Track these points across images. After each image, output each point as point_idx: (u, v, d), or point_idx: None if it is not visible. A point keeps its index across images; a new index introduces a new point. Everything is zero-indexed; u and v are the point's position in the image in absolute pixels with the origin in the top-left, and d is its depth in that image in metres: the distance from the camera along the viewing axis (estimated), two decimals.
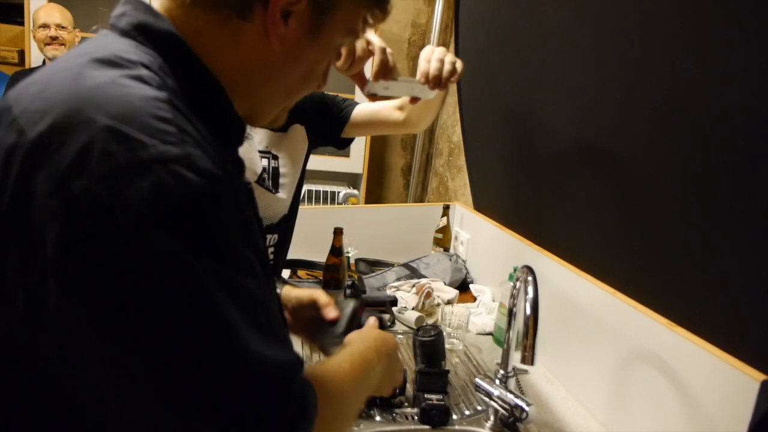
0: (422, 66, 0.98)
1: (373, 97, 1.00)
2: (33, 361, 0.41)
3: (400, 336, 1.34)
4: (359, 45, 0.92)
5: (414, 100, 1.06)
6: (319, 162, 2.55)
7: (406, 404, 1.04)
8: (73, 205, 0.36)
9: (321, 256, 1.39)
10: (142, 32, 0.47)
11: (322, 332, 0.86)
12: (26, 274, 0.38)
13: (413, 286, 1.54)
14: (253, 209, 0.60)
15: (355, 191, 2.62)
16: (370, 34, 0.93)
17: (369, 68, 0.97)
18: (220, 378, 0.39)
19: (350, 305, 0.88)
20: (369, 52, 0.93)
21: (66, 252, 0.37)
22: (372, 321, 0.85)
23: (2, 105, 0.43)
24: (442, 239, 1.84)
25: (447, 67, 0.97)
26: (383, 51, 0.92)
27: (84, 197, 0.36)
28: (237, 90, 0.52)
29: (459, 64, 0.99)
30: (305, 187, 2.47)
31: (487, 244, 1.69)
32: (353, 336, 0.76)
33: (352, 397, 0.60)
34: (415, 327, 1.35)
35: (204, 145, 0.43)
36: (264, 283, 0.47)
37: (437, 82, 0.96)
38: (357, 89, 1.01)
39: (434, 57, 0.97)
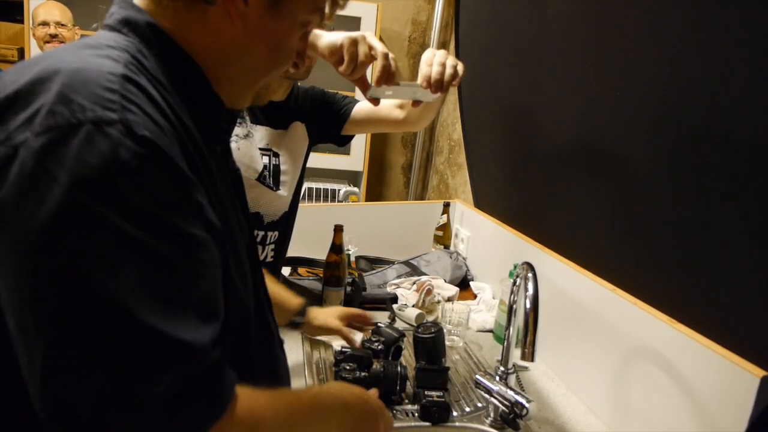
0: (424, 70, 0.98)
1: (375, 101, 1.00)
2: None
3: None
4: (362, 50, 0.92)
5: (416, 102, 1.06)
6: (319, 160, 2.55)
7: (406, 401, 1.04)
8: (12, 151, 0.42)
9: (321, 254, 1.39)
10: (126, 25, 0.53)
11: None
12: None
13: (414, 283, 1.54)
14: (237, 194, 0.64)
15: (356, 189, 2.61)
16: (373, 39, 0.93)
17: (370, 71, 0.97)
18: (101, 346, 0.41)
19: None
20: (371, 57, 0.93)
21: None
22: (373, 391, 0.83)
23: None
24: (443, 237, 1.84)
25: (448, 70, 0.97)
26: (386, 56, 0.92)
27: (23, 146, 0.41)
28: (212, 72, 0.56)
29: (460, 67, 0.99)
30: (306, 185, 2.48)
31: (487, 241, 1.69)
32: (336, 384, 0.78)
33: (273, 422, 0.54)
34: (415, 324, 1.35)
35: (168, 116, 0.47)
36: (214, 260, 0.49)
37: (439, 86, 0.96)
38: (358, 88, 1.01)
39: (436, 60, 0.97)
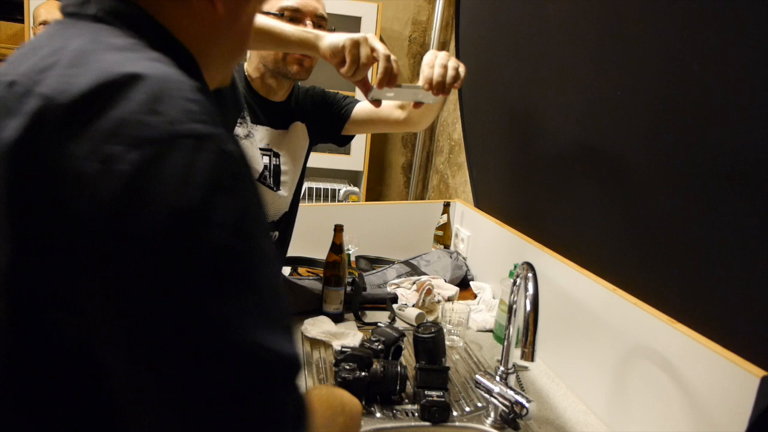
0: (425, 72, 0.97)
1: (376, 102, 1.00)
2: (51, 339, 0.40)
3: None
4: (364, 52, 0.92)
5: (417, 104, 1.06)
6: (319, 159, 2.55)
7: (406, 401, 1.04)
8: (103, 166, 0.37)
9: (321, 254, 1.39)
10: (117, 17, 0.48)
11: None
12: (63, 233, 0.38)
13: (414, 283, 1.54)
14: None
15: (356, 189, 2.61)
16: (375, 41, 0.93)
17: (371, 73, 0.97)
18: (227, 369, 0.38)
19: None
20: (373, 59, 0.93)
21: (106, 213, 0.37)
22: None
23: None
24: (443, 236, 1.84)
25: (450, 73, 0.97)
26: (387, 58, 0.92)
27: (115, 161, 0.37)
28: (197, 59, 0.54)
29: (462, 69, 0.99)
30: (306, 185, 2.47)
31: (487, 241, 1.69)
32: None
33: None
34: (415, 324, 1.35)
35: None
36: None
37: (440, 88, 0.96)
38: (359, 90, 1.01)
39: (437, 63, 0.97)
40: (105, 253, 0.37)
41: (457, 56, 1.95)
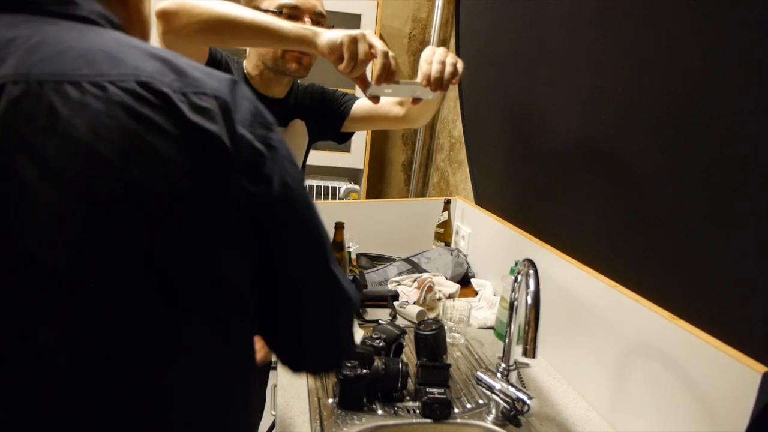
0: (423, 68, 0.97)
1: (375, 99, 1.00)
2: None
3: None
4: (362, 48, 0.92)
5: (416, 100, 1.06)
6: (320, 157, 2.54)
7: (407, 398, 1.04)
8: (264, 148, 0.49)
9: None
10: (104, 19, 0.51)
11: None
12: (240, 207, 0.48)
13: (415, 280, 1.54)
14: None
15: (356, 186, 2.61)
16: (373, 38, 0.93)
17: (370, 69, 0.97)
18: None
19: None
20: (371, 56, 0.93)
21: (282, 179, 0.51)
22: None
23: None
24: (444, 234, 1.84)
25: (448, 68, 0.97)
26: (386, 55, 0.92)
27: (270, 140, 0.50)
28: None
29: (460, 65, 0.99)
30: (306, 182, 2.47)
31: (488, 238, 1.69)
32: None
33: None
34: (416, 321, 1.35)
35: None
36: None
37: (439, 84, 0.96)
38: (358, 86, 1.01)
39: (435, 59, 0.97)
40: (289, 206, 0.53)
41: (458, 53, 1.94)
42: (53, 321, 0.42)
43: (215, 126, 0.45)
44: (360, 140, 2.58)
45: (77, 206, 0.41)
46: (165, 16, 0.93)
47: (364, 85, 0.98)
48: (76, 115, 0.41)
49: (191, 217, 0.45)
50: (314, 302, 0.57)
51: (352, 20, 2.43)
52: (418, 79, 0.98)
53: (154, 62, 0.46)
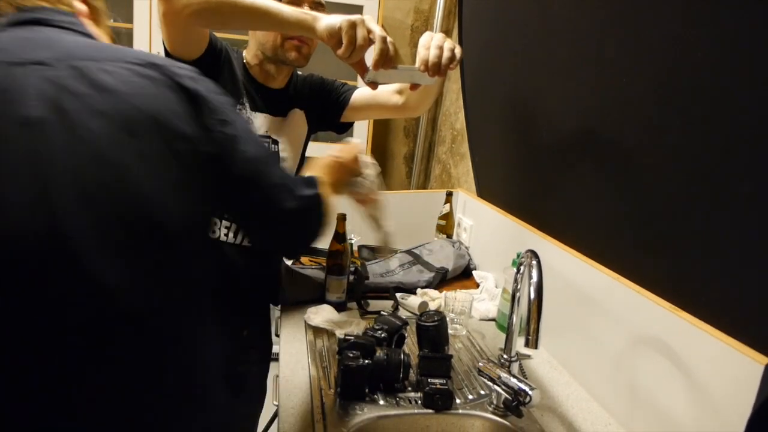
0: (421, 53, 0.98)
1: (373, 84, 1.00)
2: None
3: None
4: (360, 33, 0.92)
5: (414, 86, 1.06)
6: (321, 150, 2.53)
7: (409, 389, 1.05)
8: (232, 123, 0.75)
9: (324, 243, 1.39)
10: (77, 27, 0.75)
11: None
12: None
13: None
14: None
15: None
16: (372, 23, 0.93)
17: (369, 55, 0.96)
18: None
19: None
20: (369, 41, 0.93)
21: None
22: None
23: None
24: (445, 226, 1.84)
25: (446, 53, 0.97)
26: (384, 40, 0.92)
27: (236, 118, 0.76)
28: None
29: (458, 50, 0.99)
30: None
31: (490, 230, 1.69)
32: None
33: None
34: (418, 313, 1.35)
35: None
36: None
37: (437, 69, 0.97)
38: (358, 76, 1.01)
39: (433, 44, 0.97)
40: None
41: (460, 45, 1.93)
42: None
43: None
44: (361, 132, 2.57)
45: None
46: None
47: (363, 70, 0.98)
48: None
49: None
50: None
51: (353, 12, 2.40)
52: (416, 64, 0.98)
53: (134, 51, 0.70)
